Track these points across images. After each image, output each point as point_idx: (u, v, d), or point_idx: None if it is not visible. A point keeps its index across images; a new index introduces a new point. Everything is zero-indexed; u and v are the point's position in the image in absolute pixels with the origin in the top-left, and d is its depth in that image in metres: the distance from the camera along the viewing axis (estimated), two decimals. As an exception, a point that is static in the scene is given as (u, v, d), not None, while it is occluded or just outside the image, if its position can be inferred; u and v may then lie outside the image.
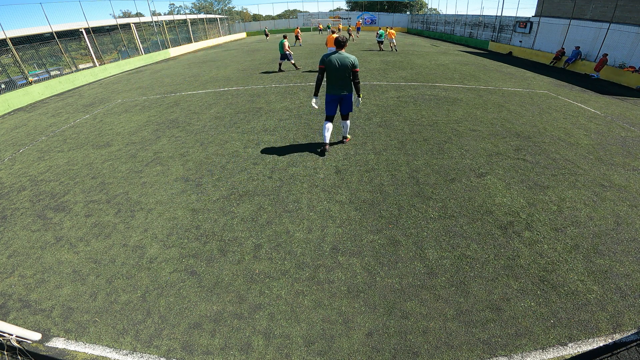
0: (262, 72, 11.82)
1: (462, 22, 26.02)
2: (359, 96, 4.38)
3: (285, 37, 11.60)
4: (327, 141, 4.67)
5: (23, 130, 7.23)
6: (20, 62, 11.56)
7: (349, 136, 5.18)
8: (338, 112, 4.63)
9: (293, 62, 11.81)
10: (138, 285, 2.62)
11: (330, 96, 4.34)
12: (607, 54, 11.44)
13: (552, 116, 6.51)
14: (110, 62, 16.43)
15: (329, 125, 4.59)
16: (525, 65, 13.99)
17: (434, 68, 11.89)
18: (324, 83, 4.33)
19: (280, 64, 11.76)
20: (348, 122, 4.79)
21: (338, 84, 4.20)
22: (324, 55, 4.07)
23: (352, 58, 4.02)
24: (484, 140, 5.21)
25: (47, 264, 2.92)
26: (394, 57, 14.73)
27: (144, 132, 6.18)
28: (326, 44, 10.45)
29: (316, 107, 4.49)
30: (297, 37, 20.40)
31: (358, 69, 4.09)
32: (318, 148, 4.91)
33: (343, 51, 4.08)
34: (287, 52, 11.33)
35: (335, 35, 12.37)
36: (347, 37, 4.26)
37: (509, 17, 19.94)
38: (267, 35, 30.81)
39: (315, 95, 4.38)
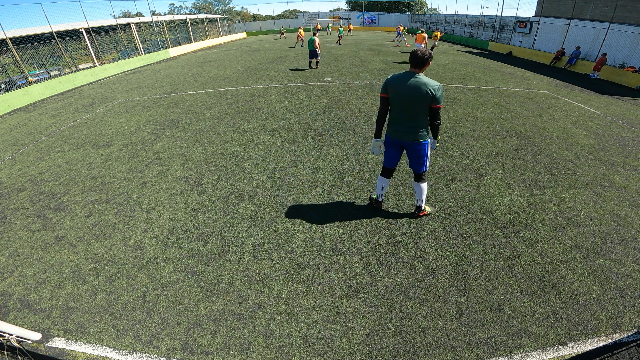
0: (291, 69, 12.01)
1: (462, 22, 26.03)
2: (435, 139, 2.86)
3: (315, 34, 11.75)
4: (381, 199, 3.34)
5: (23, 130, 7.23)
6: (20, 62, 11.56)
7: (426, 208, 3.33)
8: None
9: (318, 60, 11.93)
10: (138, 285, 2.62)
11: (390, 139, 2.91)
12: (605, 54, 11.46)
13: (552, 116, 6.51)
14: (110, 62, 16.43)
15: (385, 183, 3.18)
16: (525, 65, 13.98)
17: (434, 68, 11.89)
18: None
19: (310, 62, 12.11)
20: (424, 185, 3.06)
21: (404, 124, 2.74)
22: (391, 76, 2.67)
23: (434, 86, 2.50)
24: (484, 140, 5.21)
25: (47, 264, 2.92)
26: (394, 57, 14.73)
27: (144, 132, 6.18)
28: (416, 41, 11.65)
29: (379, 152, 3.03)
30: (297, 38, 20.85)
31: (441, 105, 2.60)
32: (368, 200, 3.59)
33: (422, 74, 2.58)
34: (317, 50, 11.58)
35: (423, 34, 12.01)
36: (430, 53, 2.54)
37: (509, 17, 19.95)
38: (282, 33, 29.79)
39: (377, 136, 2.94)
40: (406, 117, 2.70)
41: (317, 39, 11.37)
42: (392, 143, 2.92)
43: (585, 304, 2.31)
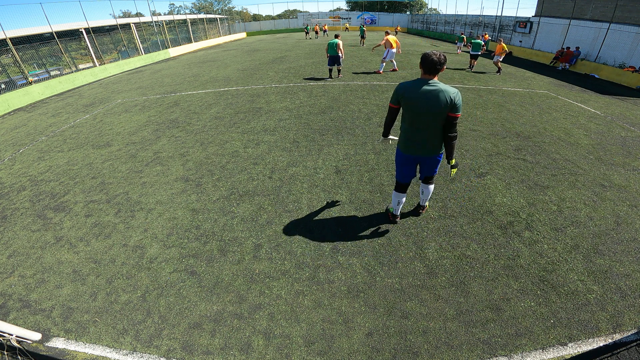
0: (306, 78, 10.12)
1: (462, 22, 26.03)
2: (449, 162, 2.59)
3: (337, 36, 9.61)
4: (398, 213, 3.20)
5: (23, 130, 7.23)
6: (20, 62, 11.56)
7: (427, 204, 3.38)
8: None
9: (340, 67, 9.85)
10: (138, 285, 2.62)
11: (404, 156, 2.71)
12: (568, 47, 12.87)
13: (552, 116, 6.51)
14: (110, 62, 16.43)
15: (402, 198, 3.01)
16: (525, 65, 13.98)
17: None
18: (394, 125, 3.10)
19: (330, 70, 9.90)
20: (431, 186, 3.01)
21: (419, 137, 2.53)
22: (402, 84, 2.44)
23: (453, 93, 2.30)
24: (484, 140, 5.20)
25: (47, 264, 2.92)
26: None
27: (144, 132, 6.18)
28: (385, 46, 9.96)
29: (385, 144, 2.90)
30: (316, 32, 23.19)
31: (459, 114, 2.38)
32: (386, 214, 3.34)
33: (437, 80, 2.36)
34: (340, 56, 9.49)
35: (392, 37, 9.66)
36: (444, 56, 2.29)
37: (509, 17, 19.95)
38: (307, 32, 26.48)
39: (385, 135, 2.87)
40: (422, 129, 2.48)
41: (340, 42, 9.31)
42: (408, 159, 2.72)
43: (585, 304, 2.31)
